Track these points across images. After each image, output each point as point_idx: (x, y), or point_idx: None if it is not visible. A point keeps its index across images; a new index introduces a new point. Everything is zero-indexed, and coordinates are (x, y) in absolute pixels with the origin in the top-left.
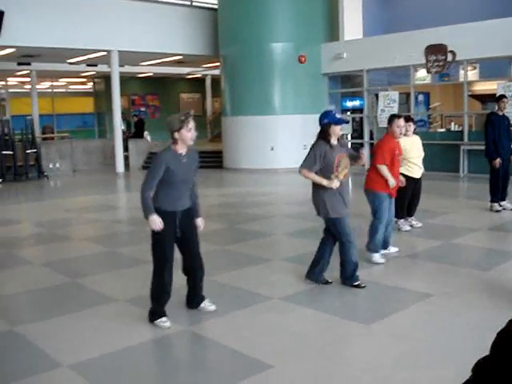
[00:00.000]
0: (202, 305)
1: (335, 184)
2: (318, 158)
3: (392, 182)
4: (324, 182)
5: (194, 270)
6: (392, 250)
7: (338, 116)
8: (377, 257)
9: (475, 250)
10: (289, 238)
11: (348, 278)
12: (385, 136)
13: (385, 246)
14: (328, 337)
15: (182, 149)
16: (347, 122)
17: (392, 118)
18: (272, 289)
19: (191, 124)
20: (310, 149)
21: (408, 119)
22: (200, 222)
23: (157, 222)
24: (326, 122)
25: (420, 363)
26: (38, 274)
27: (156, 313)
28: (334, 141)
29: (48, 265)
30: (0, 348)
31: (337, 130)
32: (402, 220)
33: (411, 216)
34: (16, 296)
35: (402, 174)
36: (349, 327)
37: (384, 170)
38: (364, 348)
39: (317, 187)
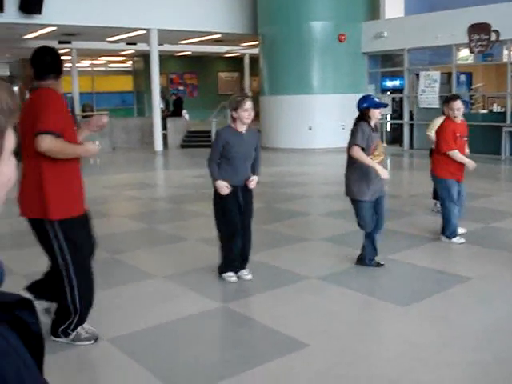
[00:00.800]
0: (240, 273)
1: (385, 174)
2: (365, 137)
3: (471, 164)
4: (377, 166)
5: (243, 240)
6: (459, 230)
7: (377, 100)
8: (456, 239)
9: None
10: (326, 218)
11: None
12: (444, 120)
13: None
14: (365, 317)
15: (241, 127)
16: (386, 106)
17: (446, 100)
18: (309, 268)
19: (247, 105)
20: (355, 127)
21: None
22: (255, 178)
23: (223, 187)
24: (366, 106)
25: (457, 346)
26: None
27: (225, 266)
28: (373, 125)
29: None
30: (42, 320)
31: (376, 114)
32: None
33: None
34: None
35: None
36: (386, 308)
37: (457, 155)
38: (401, 329)
39: (351, 167)
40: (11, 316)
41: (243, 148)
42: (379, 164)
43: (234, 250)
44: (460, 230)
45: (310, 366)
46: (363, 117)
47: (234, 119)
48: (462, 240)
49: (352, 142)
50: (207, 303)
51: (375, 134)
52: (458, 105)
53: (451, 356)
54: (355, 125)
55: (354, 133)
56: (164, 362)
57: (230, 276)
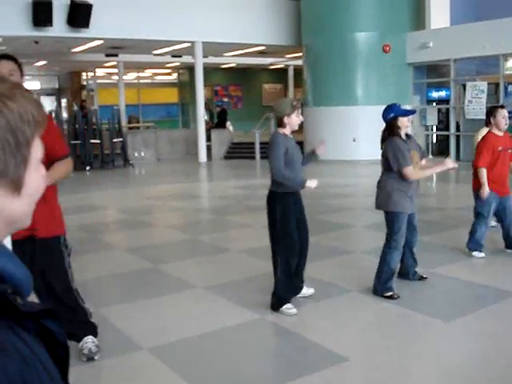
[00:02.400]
0: (302, 293)
1: (450, 163)
2: (406, 153)
3: (484, 191)
4: (438, 168)
5: (303, 259)
6: None
7: (404, 107)
8: (474, 253)
9: None
10: (369, 230)
11: (378, 287)
12: (487, 133)
13: (509, 245)
14: (406, 332)
15: (288, 133)
16: (414, 112)
17: (495, 109)
18: (351, 281)
19: (300, 110)
20: (390, 148)
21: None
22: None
23: (314, 181)
24: (393, 115)
25: (500, 363)
26: (120, 258)
27: (283, 298)
28: (403, 135)
29: (131, 250)
30: None
31: (405, 122)
32: None
33: None
34: (99, 279)
35: None
36: (427, 323)
37: (482, 173)
38: (443, 344)
39: (386, 178)
40: (39, 325)
41: (297, 153)
42: None
43: (294, 273)
44: None
45: (348, 381)
46: (392, 129)
47: (283, 124)
48: (482, 254)
49: (401, 166)
50: (247, 315)
51: (409, 143)
52: (505, 112)
53: (493, 373)
54: (384, 140)
55: (395, 154)
56: (203, 372)
57: (290, 308)
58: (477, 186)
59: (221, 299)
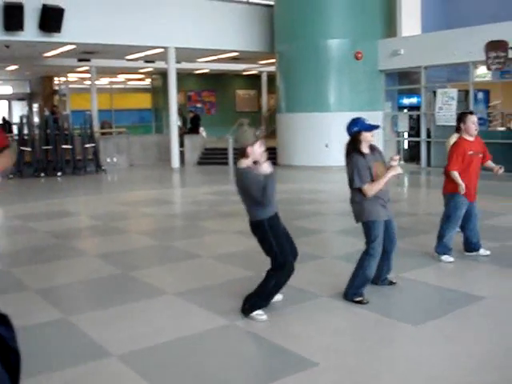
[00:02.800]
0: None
1: (398, 170)
2: (364, 172)
3: (462, 187)
4: (388, 176)
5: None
6: (482, 252)
7: (369, 122)
8: (444, 257)
9: None
10: (340, 236)
11: (349, 291)
12: (458, 139)
13: (475, 247)
14: (376, 336)
15: (251, 163)
16: (378, 127)
17: (465, 115)
18: (321, 286)
19: (263, 140)
20: (351, 165)
21: None
22: None
23: (267, 166)
24: (357, 129)
25: (469, 366)
26: (91, 265)
27: (257, 306)
28: (365, 150)
29: (102, 256)
30: (52, 336)
31: (368, 137)
32: None
33: None
34: (69, 286)
35: None
36: (397, 327)
37: (455, 176)
38: (412, 349)
39: (355, 191)
40: None
41: (267, 178)
42: (384, 185)
43: (281, 283)
44: (483, 252)
45: None
46: (355, 142)
47: (246, 155)
48: (451, 259)
49: (357, 185)
50: (218, 321)
51: (372, 156)
52: (474, 118)
53: (462, 377)
54: (347, 155)
55: (354, 171)
56: (173, 379)
57: (261, 314)
58: (448, 190)
59: (192, 305)
